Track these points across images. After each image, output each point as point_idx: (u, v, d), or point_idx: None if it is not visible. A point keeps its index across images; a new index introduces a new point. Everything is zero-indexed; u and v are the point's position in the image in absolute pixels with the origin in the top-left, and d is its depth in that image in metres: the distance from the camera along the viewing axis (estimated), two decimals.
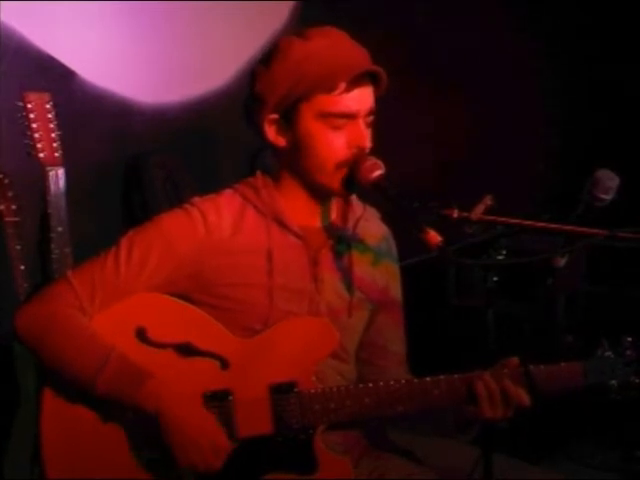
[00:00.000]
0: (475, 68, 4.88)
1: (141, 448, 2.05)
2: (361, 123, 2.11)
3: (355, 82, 2.08)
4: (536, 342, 4.12)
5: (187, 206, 2.15)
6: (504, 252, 2.31)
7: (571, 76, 5.09)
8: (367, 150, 2.12)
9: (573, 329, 4.11)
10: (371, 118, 2.14)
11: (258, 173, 2.21)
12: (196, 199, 2.18)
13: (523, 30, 5.04)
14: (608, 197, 2.19)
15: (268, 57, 2.13)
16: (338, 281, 2.20)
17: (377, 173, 2.09)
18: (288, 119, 2.12)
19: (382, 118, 2.17)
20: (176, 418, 2.00)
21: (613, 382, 2.21)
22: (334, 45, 2.10)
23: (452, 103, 4.84)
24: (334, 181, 2.12)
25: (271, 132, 2.15)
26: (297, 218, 2.18)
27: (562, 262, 2.30)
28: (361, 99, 2.10)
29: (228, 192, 2.20)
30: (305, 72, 2.07)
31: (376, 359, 2.31)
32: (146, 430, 2.02)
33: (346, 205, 2.25)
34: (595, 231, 2.12)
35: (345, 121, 2.09)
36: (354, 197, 2.24)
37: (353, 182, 2.12)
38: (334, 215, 2.25)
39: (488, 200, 2.12)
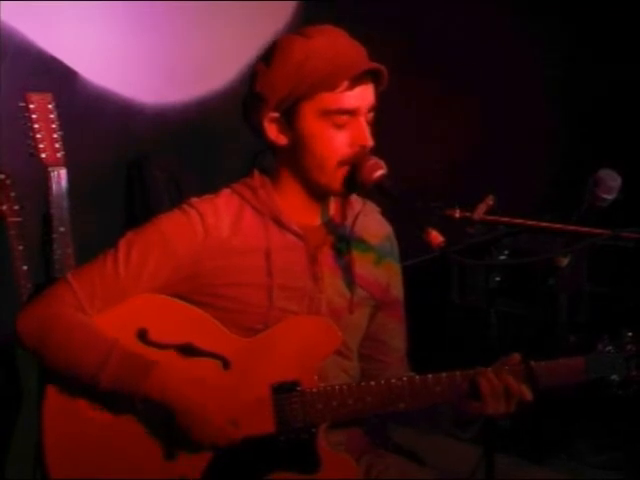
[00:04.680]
0: (478, 69, 4.88)
1: (153, 440, 2.04)
2: (362, 121, 2.11)
3: (357, 80, 2.08)
4: (538, 342, 4.12)
5: (185, 207, 2.15)
6: (506, 252, 2.32)
7: (574, 77, 5.09)
8: (369, 148, 2.11)
9: (576, 329, 4.11)
10: (372, 115, 2.14)
11: (255, 173, 2.21)
12: (194, 200, 2.17)
13: (526, 30, 5.04)
14: (610, 197, 2.19)
15: (269, 55, 2.12)
16: (338, 279, 2.20)
17: (379, 173, 2.09)
18: (289, 118, 2.11)
19: (384, 118, 2.17)
20: (188, 400, 2.00)
21: (614, 377, 2.21)
22: (335, 43, 2.10)
23: (454, 103, 4.84)
24: (335, 180, 2.12)
25: (272, 131, 2.14)
26: (296, 217, 2.18)
27: (564, 262, 2.30)
28: (363, 96, 2.10)
29: (226, 192, 2.20)
30: (307, 71, 2.07)
31: (378, 355, 2.31)
32: (157, 419, 2.02)
33: (345, 201, 2.24)
34: (598, 231, 2.12)
35: (347, 118, 2.09)
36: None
37: (354, 182, 2.11)
38: (333, 212, 2.24)
39: (490, 200, 2.12)
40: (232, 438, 2.02)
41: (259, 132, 2.16)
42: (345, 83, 2.07)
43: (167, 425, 2.02)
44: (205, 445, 2.03)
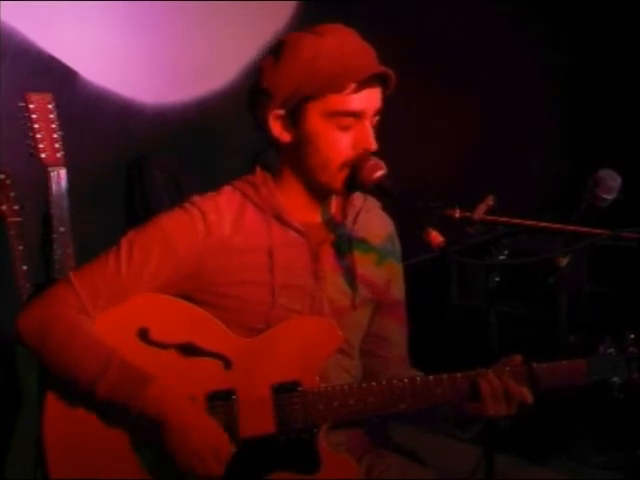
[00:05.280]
0: (478, 69, 4.88)
1: (143, 451, 2.04)
2: (367, 124, 2.10)
3: (364, 83, 2.07)
4: (538, 342, 4.12)
5: (187, 205, 2.14)
6: (506, 252, 2.32)
7: (574, 77, 5.08)
8: (373, 152, 2.11)
9: (576, 329, 4.11)
10: (377, 119, 2.13)
11: (258, 170, 2.20)
12: (195, 198, 2.16)
13: (526, 30, 5.04)
14: (610, 197, 2.19)
15: (277, 51, 2.11)
16: (340, 277, 2.20)
17: (379, 173, 2.09)
18: (294, 116, 2.10)
19: (385, 118, 2.17)
20: (178, 424, 1.99)
21: (616, 379, 2.21)
22: (345, 44, 2.09)
23: (454, 103, 4.84)
24: (336, 181, 2.12)
25: (276, 127, 2.13)
26: (297, 214, 2.17)
27: (564, 262, 2.30)
28: (369, 99, 2.09)
29: (227, 190, 2.19)
30: (316, 71, 2.06)
31: (378, 350, 2.31)
32: (148, 433, 2.01)
33: (346, 199, 2.24)
34: (598, 231, 2.12)
35: (352, 121, 2.09)
36: None
37: (355, 182, 2.11)
38: (334, 209, 2.24)
39: (490, 200, 2.12)
40: (212, 474, 2.00)
41: (263, 127, 2.15)
42: (352, 85, 2.06)
43: (158, 439, 2.01)
44: (185, 471, 2.00)
